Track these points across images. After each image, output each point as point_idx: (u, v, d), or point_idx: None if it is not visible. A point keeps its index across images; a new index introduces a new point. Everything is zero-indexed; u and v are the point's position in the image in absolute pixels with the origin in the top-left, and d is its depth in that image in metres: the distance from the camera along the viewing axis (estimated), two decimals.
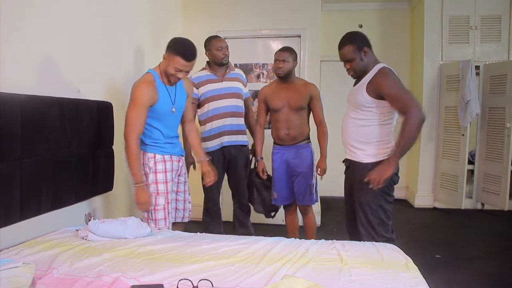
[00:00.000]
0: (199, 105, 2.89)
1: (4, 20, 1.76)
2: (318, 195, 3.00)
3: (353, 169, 2.22)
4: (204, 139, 2.89)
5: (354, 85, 2.25)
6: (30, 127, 1.86)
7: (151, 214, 2.18)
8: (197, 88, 2.83)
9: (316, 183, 2.90)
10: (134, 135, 2.08)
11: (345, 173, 2.35)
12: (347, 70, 2.19)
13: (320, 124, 2.88)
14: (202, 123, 2.92)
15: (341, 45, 2.15)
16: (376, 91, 2.05)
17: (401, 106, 2.00)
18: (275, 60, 2.77)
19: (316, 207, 4.00)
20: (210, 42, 2.87)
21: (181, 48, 2.11)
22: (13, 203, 1.79)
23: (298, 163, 2.83)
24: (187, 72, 2.18)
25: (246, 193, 2.98)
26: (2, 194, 1.72)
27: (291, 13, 3.96)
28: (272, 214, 3.01)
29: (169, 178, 2.23)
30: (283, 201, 2.93)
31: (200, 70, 2.92)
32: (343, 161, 2.33)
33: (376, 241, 1.98)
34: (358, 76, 2.18)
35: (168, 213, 2.23)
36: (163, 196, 2.19)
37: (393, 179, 2.12)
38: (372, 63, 2.13)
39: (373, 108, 2.08)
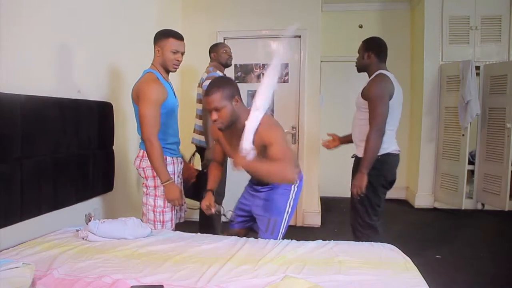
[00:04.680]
0: None
1: (4, 20, 1.76)
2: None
3: (356, 162, 2.41)
4: None
5: None
6: (30, 127, 1.86)
7: (160, 216, 2.16)
8: None
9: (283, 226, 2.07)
10: (156, 134, 2.05)
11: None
12: (356, 62, 2.49)
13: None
14: None
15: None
16: (365, 94, 2.30)
17: (370, 119, 2.24)
18: (203, 109, 2.09)
19: (317, 207, 4.01)
20: (217, 45, 3.14)
21: (168, 32, 2.17)
22: (13, 204, 1.80)
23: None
24: (183, 53, 2.19)
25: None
26: (2, 194, 1.72)
27: (291, 13, 3.96)
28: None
29: (177, 180, 2.23)
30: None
31: (216, 70, 2.98)
32: (352, 156, 2.49)
33: (359, 225, 2.33)
34: (358, 69, 2.47)
35: (174, 214, 2.23)
36: None
37: (383, 174, 2.30)
38: (375, 69, 2.35)
39: (366, 109, 2.29)
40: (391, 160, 2.32)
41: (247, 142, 1.78)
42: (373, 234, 2.29)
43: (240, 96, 1.93)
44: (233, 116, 1.88)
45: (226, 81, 1.97)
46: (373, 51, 2.37)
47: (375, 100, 2.22)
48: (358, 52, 2.47)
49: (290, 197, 2.07)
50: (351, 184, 2.31)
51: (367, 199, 2.30)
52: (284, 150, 1.84)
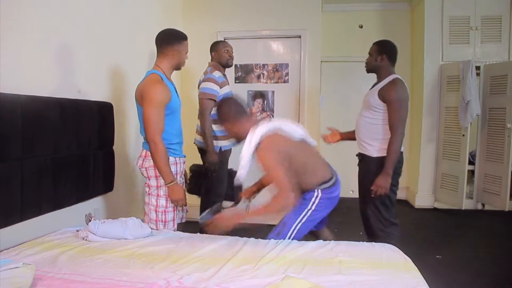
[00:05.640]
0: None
1: (4, 20, 1.76)
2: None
3: (364, 161, 2.52)
4: (218, 138, 2.94)
5: (371, 89, 2.54)
6: (30, 127, 1.86)
7: (162, 216, 2.17)
8: (220, 88, 2.90)
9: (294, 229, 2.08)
10: (159, 134, 2.06)
11: (358, 165, 2.60)
12: (367, 63, 2.57)
13: None
14: (214, 122, 2.93)
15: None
16: (384, 97, 2.37)
17: (391, 123, 2.34)
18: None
19: None
20: (218, 44, 3.07)
21: (181, 35, 2.25)
22: (14, 204, 1.79)
23: None
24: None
25: None
26: (2, 194, 1.72)
27: (291, 14, 3.96)
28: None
29: (179, 181, 2.23)
30: None
31: (214, 71, 2.93)
32: (357, 155, 2.59)
33: (383, 225, 2.41)
34: (368, 70, 2.56)
35: (176, 214, 2.23)
36: None
37: (398, 172, 2.43)
38: (387, 72, 2.44)
39: (381, 110, 2.39)
40: (402, 158, 2.47)
41: (242, 170, 1.94)
42: (396, 230, 2.43)
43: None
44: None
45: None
46: (387, 54, 2.44)
47: (397, 104, 2.32)
48: (370, 53, 2.52)
49: (309, 206, 2.04)
50: (374, 185, 2.34)
51: (387, 197, 2.40)
52: (279, 175, 1.87)
